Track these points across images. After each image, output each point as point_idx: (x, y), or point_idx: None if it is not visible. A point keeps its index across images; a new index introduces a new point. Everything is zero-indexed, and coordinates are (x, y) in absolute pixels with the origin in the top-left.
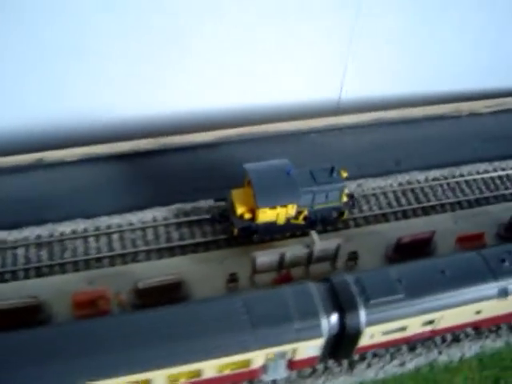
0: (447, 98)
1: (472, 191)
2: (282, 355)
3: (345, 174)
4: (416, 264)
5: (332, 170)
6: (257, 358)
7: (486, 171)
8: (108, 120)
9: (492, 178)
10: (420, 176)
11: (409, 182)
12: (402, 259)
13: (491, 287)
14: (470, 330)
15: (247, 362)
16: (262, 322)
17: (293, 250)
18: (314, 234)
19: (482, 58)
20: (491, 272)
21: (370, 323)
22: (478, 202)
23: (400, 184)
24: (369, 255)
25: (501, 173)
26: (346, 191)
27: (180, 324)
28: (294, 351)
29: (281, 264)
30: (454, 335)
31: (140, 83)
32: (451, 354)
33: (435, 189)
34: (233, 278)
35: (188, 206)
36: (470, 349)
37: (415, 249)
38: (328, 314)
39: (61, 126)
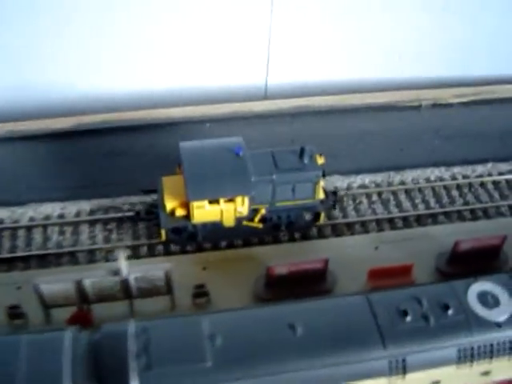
0: (407, 86)
1: (413, 205)
2: None
3: (321, 161)
4: (248, 313)
5: (302, 152)
6: None
7: (441, 179)
8: None
9: (447, 188)
10: (341, 182)
11: None
12: (277, 299)
13: (378, 357)
14: None
15: None
16: None
17: (93, 276)
18: (121, 256)
19: (453, 38)
20: (379, 332)
21: None
22: (419, 221)
23: None
24: (232, 290)
25: (461, 181)
26: (323, 184)
27: None
28: None
29: (84, 296)
30: None
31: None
32: None
33: (359, 200)
34: (15, 313)
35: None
36: None
37: (298, 285)
38: None
39: None
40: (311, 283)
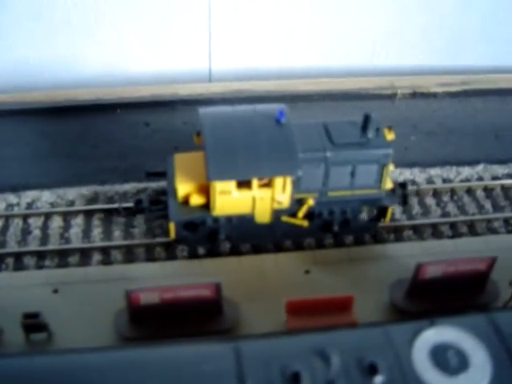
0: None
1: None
2: None
3: (390, 136)
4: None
5: (366, 122)
6: None
7: (412, 182)
8: None
9: (420, 194)
10: None
11: None
12: (146, 340)
13: None
14: None
15: None
16: None
17: None
18: None
19: (440, 19)
20: None
21: None
22: (376, 237)
23: None
24: (88, 324)
25: (440, 186)
26: (392, 169)
27: None
28: None
29: None
30: None
31: None
32: None
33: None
34: None
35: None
36: None
37: (177, 322)
38: None
39: None
40: (197, 319)
